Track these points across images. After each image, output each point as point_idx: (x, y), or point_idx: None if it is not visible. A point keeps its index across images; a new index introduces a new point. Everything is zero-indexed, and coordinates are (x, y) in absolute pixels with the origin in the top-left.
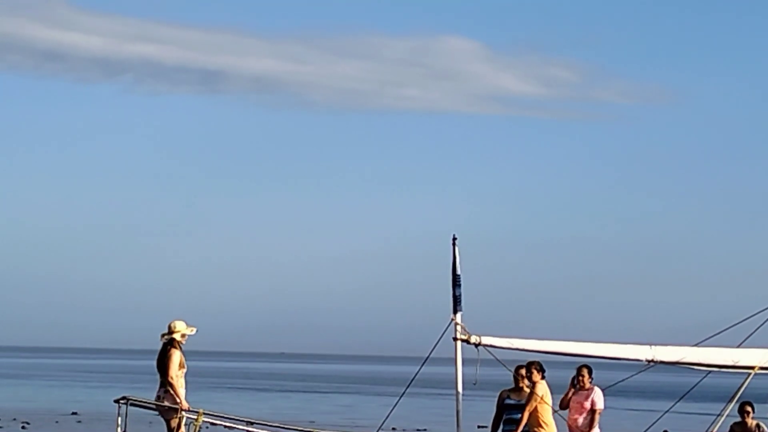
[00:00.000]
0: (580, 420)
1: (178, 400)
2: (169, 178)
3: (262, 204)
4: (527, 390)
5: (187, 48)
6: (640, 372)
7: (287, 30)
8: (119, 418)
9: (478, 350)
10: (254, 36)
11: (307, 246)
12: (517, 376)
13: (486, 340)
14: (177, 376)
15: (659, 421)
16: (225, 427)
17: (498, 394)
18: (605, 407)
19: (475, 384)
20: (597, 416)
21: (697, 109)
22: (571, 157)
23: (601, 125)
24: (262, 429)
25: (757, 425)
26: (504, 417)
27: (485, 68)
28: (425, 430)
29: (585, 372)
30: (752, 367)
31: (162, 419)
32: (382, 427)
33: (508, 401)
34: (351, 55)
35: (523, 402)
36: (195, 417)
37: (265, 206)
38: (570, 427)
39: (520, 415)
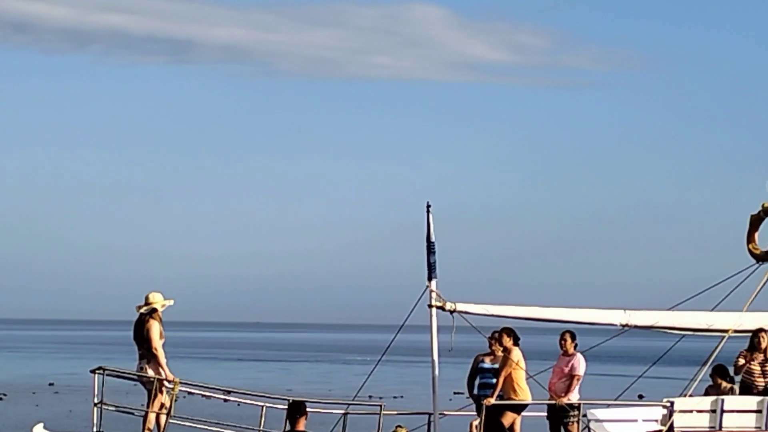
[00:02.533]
0: (559, 384)
1: (163, 371)
2: (141, 148)
3: (234, 173)
4: (502, 355)
5: (155, 18)
6: (614, 336)
7: None
8: (96, 389)
9: (453, 317)
10: (223, 5)
11: (281, 215)
12: (491, 342)
13: (461, 306)
14: (159, 346)
15: (634, 385)
16: (202, 396)
17: (475, 359)
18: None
19: (450, 351)
20: (576, 382)
21: (670, 75)
22: (544, 123)
23: (572, 92)
24: (239, 398)
25: (731, 389)
26: (479, 381)
27: (455, 35)
28: (401, 396)
29: (567, 337)
30: (726, 331)
31: (144, 389)
32: (359, 394)
33: (482, 365)
34: (320, 24)
35: (497, 367)
36: (171, 387)
37: (238, 175)
38: (550, 390)
39: (495, 380)
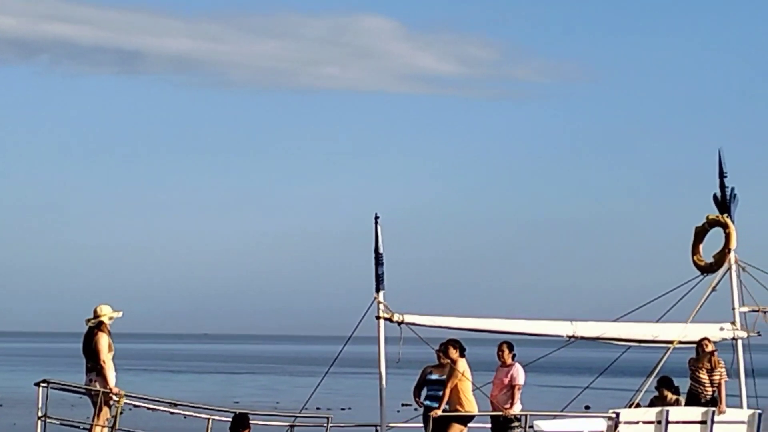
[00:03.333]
0: (501, 396)
1: (109, 384)
2: (89, 160)
3: (183, 185)
4: (449, 367)
5: (103, 28)
6: (561, 348)
7: (204, 9)
8: (40, 402)
9: (401, 328)
10: (172, 16)
11: (229, 226)
12: (439, 353)
13: (409, 318)
14: (108, 359)
15: (580, 396)
16: (148, 409)
17: (421, 371)
18: (526, 383)
19: (398, 362)
20: (517, 392)
21: (615, 87)
22: (491, 134)
23: (519, 103)
24: (185, 410)
25: (676, 400)
26: (426, 393)
27: (403, 47)
28: (349, 408)
29: (504, 348)
30: (671, 342)
31: (90, 402)
32: (306, 406)
33: (430, 377)
34: (269, 35)
35: (444, 378)
36: (117, 399)
37: (187, 187)
38: (491, 402)
39: (441, 392)
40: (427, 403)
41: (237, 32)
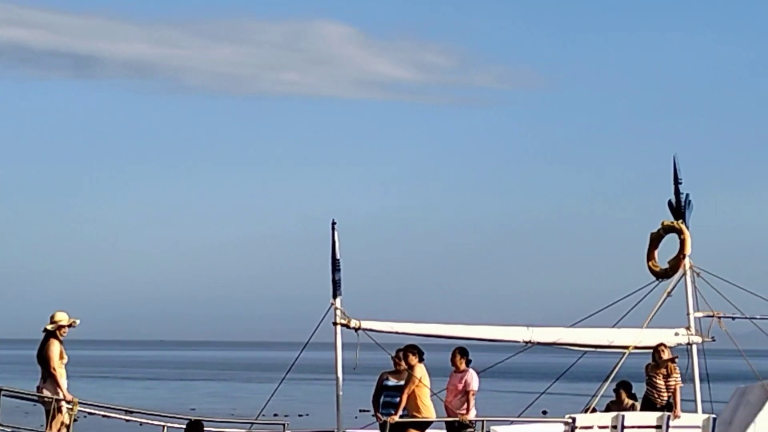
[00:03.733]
0: (455, 401)
1: (60, 392)
2: (44, 165)
3: (138, 191)
4: (406, 373)
5: (58, 32)
6: (518, 353)
7: (160, 14)
8: None
9: (357, 334)
10: (127, 21)
11: (186, 233)
12: (395, 359)
13: (366, 324)
14: (58, 366)
15: (538, 401)
16: (103, 416)
17: (379, 377)
18: (481, 389)
19: (355, 368)
20: (471, 397)
21: (572, 93)
22: (449, 140)
23: (477, 109)
24: (141, 418)
25: (632, 405)
26: (383, 399)
27: (361, 53)
28: (307, 415)
29: (457, 354)
30: (627, 347)
31: (43, 410)
32: (263, 412)
33: (387, 383)
34: (226, 40)
35: (402, 384)
36: (70, 407)
37: (142, 193)
38: (446, 408)
39: (399, 398)
40: (384, 409)
41: (194, 37)
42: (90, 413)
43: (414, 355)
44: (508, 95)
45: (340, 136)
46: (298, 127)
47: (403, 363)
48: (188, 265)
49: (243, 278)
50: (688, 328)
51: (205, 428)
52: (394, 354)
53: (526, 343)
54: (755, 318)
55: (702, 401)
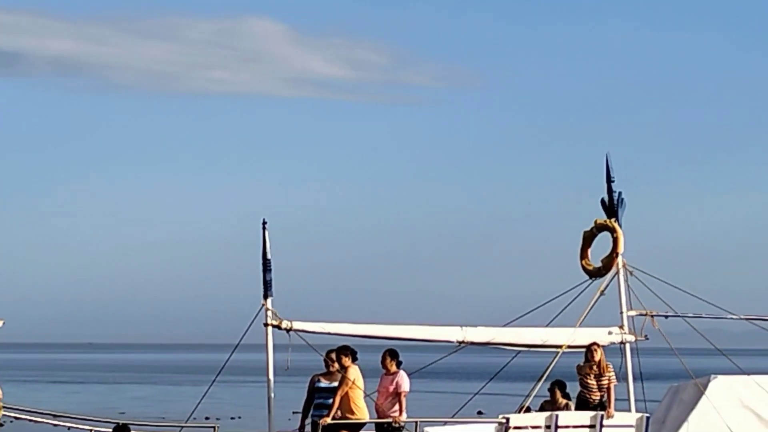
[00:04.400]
0: (386, 403)
1: None
2: None
3: (64, 191)
4: (339, 374)
5: None
6: (451, 353)
7: (88, 11)
8: None
9: (289, 335)
10: (54, 17)
11: (114, 233)
12: (327, 361)
13: (297, 325)
14: None
15: (473, 401)
16: (30, 421)
17: (311, 378)
18: (414, 389)
19: (287, 370)
20: (402, 399)
21: (506, 92)
22: (383, 139)
23: (411, 108)
24: (69, 422)
25: (566, 404)
26: (315, 401)
27: (293, 51)
28: (239, 417)
29: (387, 356)
30: (560, 346)
31: None
32: (194, 416)
33: (319, 385)
34: (156, 37)
35: (334, 386)
36: None
37: (68, 193)
38: (377, 410)
39: (331, 400)
40: (316, 411)
41: (122, 34)
42: (16, 418)
43: (347, 356)
44: (442, 93)
45: (272, 135)
46: (229, 126)
47: (335, 364)
48: (117, 266)
49: (173, 279)
50: (621, 327)
51: None
52: (325, 354)
53: (460, 343)
54: (688, 316)
55: (635, 400)
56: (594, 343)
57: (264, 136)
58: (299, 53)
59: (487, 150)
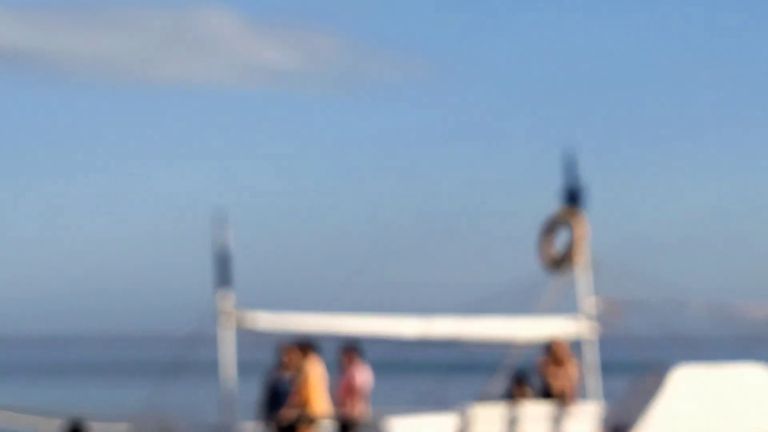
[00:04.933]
0: (344, 397)
1: None
2: None
3: (13, 185)
4: (296, 368)
5: None
6: (412, 345)
7: (37, 0)
8: None
9: (245, 329)
10: (1, 6)
11: (58, 229)
12: (285, 354)
13: (253, 317)
14: None
15: (432, 394)
16: None
17: (267, 372)
18: (374, 382)
19: (242, 364)
20: (358, 393)
21: (466, 82)
22: (339, 131)
23: (367, 98)
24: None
25: (527, 396)
26: (272, 396)
27: (246, 40)
28: (193, 414)
29: (345, 350)
30: (522, 337)
31: None
32: (147, 412)
33: (276, 379)
34: (107, 27)
35: (292, 380)
36: None
37: (18, 187)
38: (336, 404)
39: (289, 394)
40: (273, 408)
41: (72, 25)
42: None
43: (304, 349)
44: (399, 83)
45: (226, 126)
46: (183, 118)
47: (293, 358)
48: (59, 262)
49: (126, 273)
50: (583, 318)
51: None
52: (283, 348)
53: (421, 335)
54: (651, 306)
55: (596, 391)
56: (555, 336)
57: (218, 127)
58: (253, 43)
59: (445, 138)
